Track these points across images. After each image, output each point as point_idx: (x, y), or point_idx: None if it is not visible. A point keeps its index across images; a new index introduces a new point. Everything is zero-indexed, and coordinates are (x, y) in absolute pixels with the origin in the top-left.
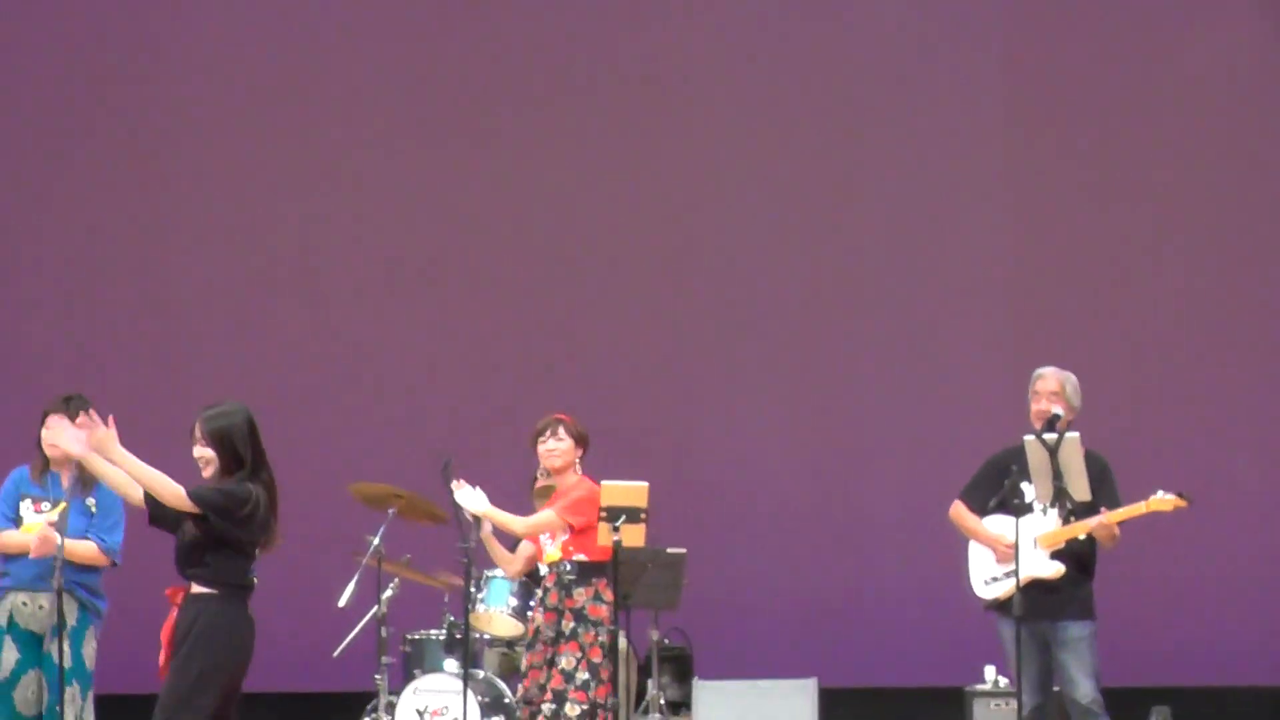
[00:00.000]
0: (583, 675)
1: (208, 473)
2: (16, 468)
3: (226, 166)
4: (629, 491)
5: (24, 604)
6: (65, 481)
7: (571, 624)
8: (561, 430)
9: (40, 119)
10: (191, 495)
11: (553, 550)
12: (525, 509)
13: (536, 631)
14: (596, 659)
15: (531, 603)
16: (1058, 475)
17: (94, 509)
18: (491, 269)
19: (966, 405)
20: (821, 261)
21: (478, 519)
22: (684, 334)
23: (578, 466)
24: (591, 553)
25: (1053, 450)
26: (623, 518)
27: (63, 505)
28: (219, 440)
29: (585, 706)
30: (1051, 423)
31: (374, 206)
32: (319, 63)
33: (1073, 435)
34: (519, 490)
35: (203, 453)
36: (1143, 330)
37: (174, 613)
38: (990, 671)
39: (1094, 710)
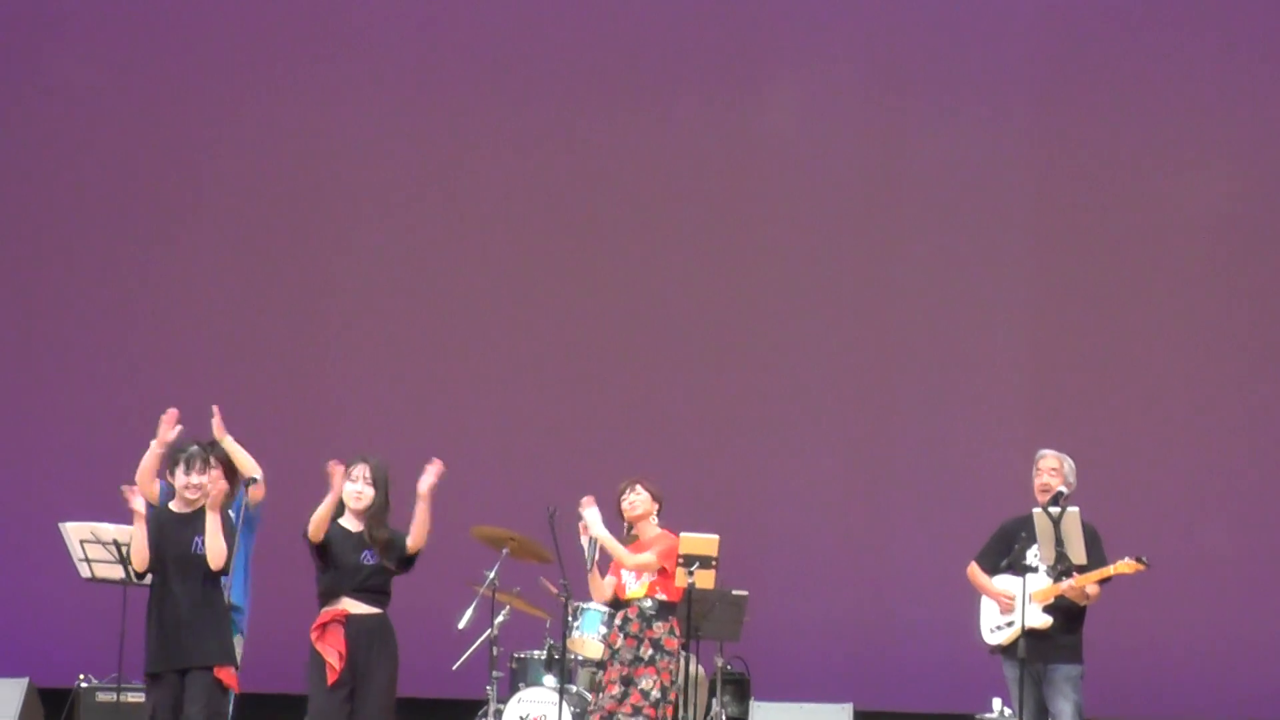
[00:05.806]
0: (655, 694)
1: (360, 504)
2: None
3: (376, 230)
4: (702, 543)
5: None
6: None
7: (650, 651)
8: (639, 488)
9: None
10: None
11: (637, 588)
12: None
13: (614, 653)
14: (667, 683)
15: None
16: (1059, 541)
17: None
18: (584, 355)
19: (983, 479)
20: (867, 344)
21: (594, 540)
22: (748, 419)
23: (654, 519)
24: (671, 593)
25: (1056, 521)
26: (696, 564)
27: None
28: (380, 482)
29: None
30: (1056, 498)
31: (502, 289)
32: (469, 125)
33: (1073, 509)
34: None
35: (363, 490)
36: (1133, 419)
37: (337, 628)
38: (997, 702)
39: None
